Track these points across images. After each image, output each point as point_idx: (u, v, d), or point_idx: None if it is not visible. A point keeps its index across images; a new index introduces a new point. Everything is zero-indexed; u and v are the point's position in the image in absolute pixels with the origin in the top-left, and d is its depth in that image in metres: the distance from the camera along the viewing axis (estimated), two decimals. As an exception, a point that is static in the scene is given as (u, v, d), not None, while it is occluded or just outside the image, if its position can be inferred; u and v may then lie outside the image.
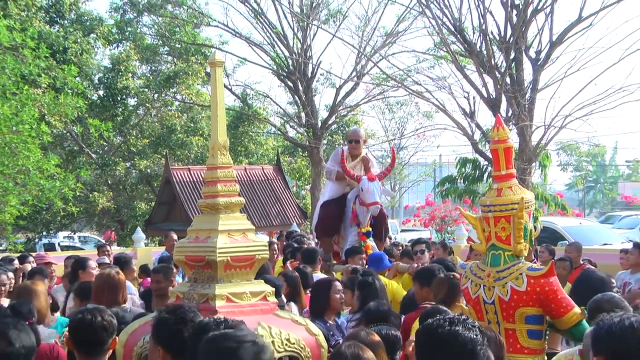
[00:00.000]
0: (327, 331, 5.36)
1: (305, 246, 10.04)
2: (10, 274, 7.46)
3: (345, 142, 10.73)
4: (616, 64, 16.40)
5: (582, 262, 10.04)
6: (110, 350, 4.00)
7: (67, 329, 4.28)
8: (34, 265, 9.69)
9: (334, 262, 9.72)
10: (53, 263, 9.92)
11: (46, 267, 9.29)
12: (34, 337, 5.05)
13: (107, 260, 9.84)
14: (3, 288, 6.96)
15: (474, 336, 2.71)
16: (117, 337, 4.06)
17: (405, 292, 7.53)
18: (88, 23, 26.18)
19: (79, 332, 3.90)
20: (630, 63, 16.07)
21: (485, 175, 17.14)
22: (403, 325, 5.70)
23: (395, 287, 7.81)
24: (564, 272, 8.55)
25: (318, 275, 7.54)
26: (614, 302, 4.34)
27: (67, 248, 25.47)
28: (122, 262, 8.82)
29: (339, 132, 27.98)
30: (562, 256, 9.57)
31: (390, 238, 11.88)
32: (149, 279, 9.83)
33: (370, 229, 9.79)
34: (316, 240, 10.77)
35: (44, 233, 26.78)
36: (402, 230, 30.80)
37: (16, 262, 9.95)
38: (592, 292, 4.73)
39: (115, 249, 15.55)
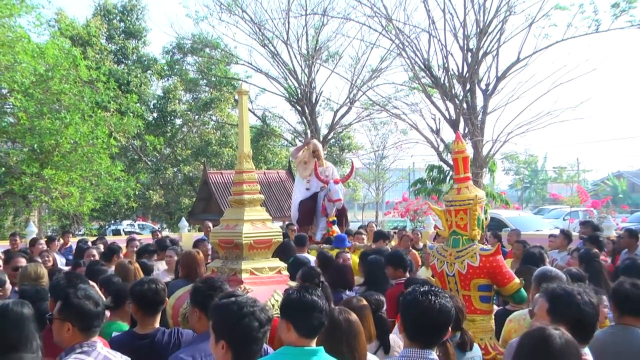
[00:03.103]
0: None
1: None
2: (95, 251, 7.84)
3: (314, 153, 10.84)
4: (545, 94, 16.58)
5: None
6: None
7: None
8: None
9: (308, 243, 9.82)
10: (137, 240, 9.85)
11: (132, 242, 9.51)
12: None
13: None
14: (93, 259, 7.33)
15: (451, 304, 2.80)
16: (167, 300, 4.01)
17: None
18: (146, 62, 26.25)
19: (144, 297, 3.80)
20: (556, 94, 16.31)
21: (448, 178, 17.14)
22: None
23: (355, 260, 7.68)
24: (517, 252, 8.42)
25: (305, 255, 7.47)
26: (558, 277, 4.29)
27: (129, 233, 25.30)
28: (173, 244, 8.74)
29: (336, 145, 27.98)
30: (520, 240, 9.02)
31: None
32: None
33: (335, 219, 10.27)
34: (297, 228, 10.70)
35: (112, 222, 26.83)
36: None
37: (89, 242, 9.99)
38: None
39: (165, 233, 15.58)
